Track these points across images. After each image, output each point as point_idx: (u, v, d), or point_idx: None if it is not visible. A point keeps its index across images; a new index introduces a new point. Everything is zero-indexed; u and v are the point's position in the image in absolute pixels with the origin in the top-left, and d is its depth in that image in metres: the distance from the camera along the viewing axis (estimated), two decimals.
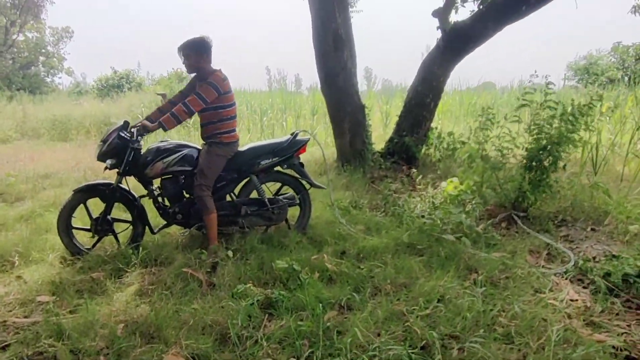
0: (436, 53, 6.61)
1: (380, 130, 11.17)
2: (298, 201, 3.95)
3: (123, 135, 3.38)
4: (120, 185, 3.50)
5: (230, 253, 3.33)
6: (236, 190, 3.88)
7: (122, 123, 3.46)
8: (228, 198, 3.83)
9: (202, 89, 3.34)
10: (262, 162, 3.69)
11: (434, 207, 4.36)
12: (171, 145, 3.57)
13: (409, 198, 5.01)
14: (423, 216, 3.93)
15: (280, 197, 3.92)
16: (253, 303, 2.62)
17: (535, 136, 4.34)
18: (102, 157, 3.41)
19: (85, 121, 12.39)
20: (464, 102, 14.56)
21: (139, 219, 3.58)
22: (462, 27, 6.38)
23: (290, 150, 3.75)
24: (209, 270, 3.16)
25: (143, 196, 3.66)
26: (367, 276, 3.03)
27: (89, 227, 3.52)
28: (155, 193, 3.62)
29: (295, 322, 2.41)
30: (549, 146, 4.20)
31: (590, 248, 3.72)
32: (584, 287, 3.01)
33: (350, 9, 6.58)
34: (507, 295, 2.74)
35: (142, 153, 3.52)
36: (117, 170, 3.45)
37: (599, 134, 7.05)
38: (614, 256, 3.36)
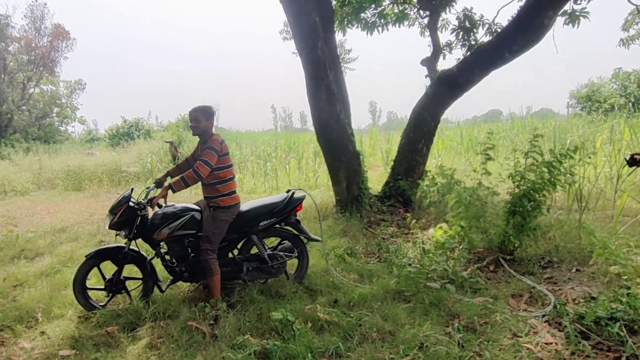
0: (425, 100, 7.00)
1: (382, 169, 11.50)
2: (296, 254, 4.20)
3: (132, 205, 3.69)
4: (131, 248, 3.80)
5: (230, 305, 3.61)
6: (238, 245, 4.13)
7: (129, 191, 3.79)
8: (230, 255, 4.07)
9: (205, 155, 3.67)
10: (261, 223, 3.96)
11: (424, 253, 4.60)
12: (176, 210, 3.82)
13: (402, 243, 5.26)
14: (410, 264, 4.16)
15: (280, 251, 4.15)
16: (250, 353, 2.88)
17: (517, 183, 4.62)
18: (112, 227, 3.72)
19: (98, 170, 12.98)
20: (464, 137, 14.88)
21: (150, 277, 3.86)
22: (449, 75, 6.77)
23: (287, 209, 4.01)
24: (211, 322, 3.42)
25: (153, 257, 3.94)
26: (355, 324, 3.27)
27: (103, 287, 3.82)
28: (162, 251, 3.90)
29: None
30: (530, 192, 4.46)
31: (572, 290, 3.86)
32: (560, 330, 3.16)
33: (344, 65, 7.03)
34: (483, 341, 2.95)
35: (149, 218, 3.81)
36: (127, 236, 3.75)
37: (594, 167, 7.22)
38: (592, 298, 3.53)
